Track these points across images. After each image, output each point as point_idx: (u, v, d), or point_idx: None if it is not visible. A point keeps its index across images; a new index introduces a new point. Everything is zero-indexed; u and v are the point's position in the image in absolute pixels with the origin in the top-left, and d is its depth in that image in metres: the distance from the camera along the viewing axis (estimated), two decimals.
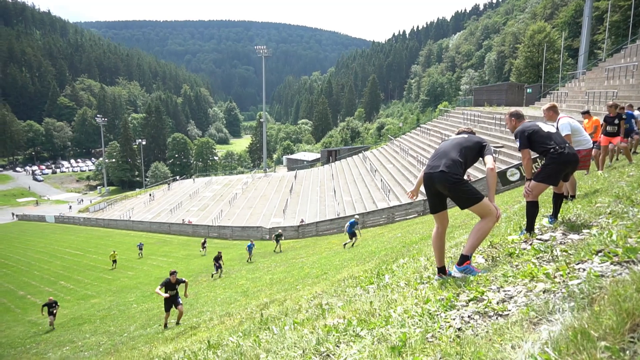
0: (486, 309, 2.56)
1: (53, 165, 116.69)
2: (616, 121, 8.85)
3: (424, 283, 4.08)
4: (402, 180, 32.32)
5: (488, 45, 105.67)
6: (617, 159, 10.04)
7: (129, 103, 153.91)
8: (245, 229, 34.94)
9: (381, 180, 34.88)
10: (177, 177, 78.38)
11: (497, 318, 2.44)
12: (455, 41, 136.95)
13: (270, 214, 40.03)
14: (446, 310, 2.77)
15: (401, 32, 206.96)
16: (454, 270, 3.65)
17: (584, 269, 2.51)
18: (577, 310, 1.95)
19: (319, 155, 72.91)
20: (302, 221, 32.78)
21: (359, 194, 35.46)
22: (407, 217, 23.76)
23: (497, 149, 24.07)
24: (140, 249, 30.98)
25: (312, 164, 68.86)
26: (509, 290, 2.75)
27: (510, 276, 2.96)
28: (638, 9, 35.98)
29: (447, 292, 3.17)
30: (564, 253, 3.13)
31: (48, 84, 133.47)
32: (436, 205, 3.68)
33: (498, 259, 3.81)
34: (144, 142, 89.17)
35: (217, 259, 20.25)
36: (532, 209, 4.29)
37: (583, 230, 3.77)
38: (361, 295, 5.16)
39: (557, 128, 6.19)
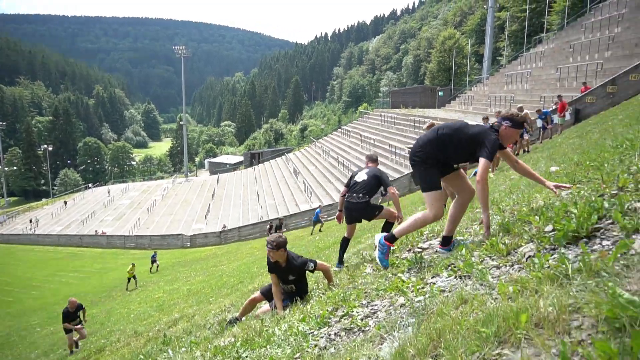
0: (352, 325, 2.68)
1: None
2: None
3: (314, 298, 4.20)
4: (323, 182, 32.84)
5: (405, 49, 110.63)
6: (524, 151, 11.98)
7: (33, 105, 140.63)
8: (165, 237, 33.59)
9: (304, 182, 35.17)
10: (90, 185, 73.12)
11: (359, 334, 2.55)
12: (375, 44, 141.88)
13: (192, 220, 38.82)
14: (320, 328, 2.87)
15: (323, 34, 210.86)
16: (378, 241, 3.77)
17: (434, 283, 2.71)
18: (417, 327, 2.11)
19: (242, 158, 71.86)
20: (225, 227, 32.16)
21: (282, 196, 35.48)
22: (329, 219, 24.18)
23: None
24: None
25: (235, 167, 67.74)
26: (376, 305, 2.88)
27: (381, 289, 3.09)
28: (532, 20, 39.71)
29: (329, 306, 3.27)
30: (432, 264, 3.36)
31: None
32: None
33: (380, 269, 4.01)
34: (50, 148, 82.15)
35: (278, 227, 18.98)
36: (344, 242, 5.30)
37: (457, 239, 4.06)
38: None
39: None
